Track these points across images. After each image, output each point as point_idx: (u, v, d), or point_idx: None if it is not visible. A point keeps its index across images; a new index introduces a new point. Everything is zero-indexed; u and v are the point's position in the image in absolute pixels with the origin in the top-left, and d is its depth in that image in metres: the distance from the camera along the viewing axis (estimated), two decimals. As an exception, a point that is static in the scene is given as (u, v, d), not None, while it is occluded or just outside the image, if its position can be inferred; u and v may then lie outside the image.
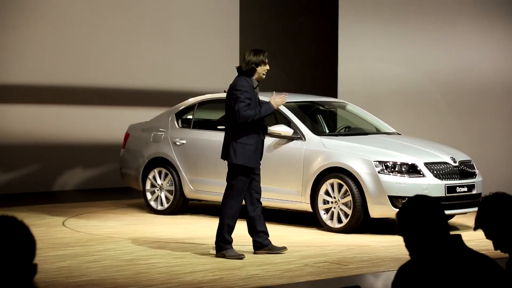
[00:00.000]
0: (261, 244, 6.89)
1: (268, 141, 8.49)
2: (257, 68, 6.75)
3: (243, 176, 6.76)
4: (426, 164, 7.92)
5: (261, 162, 6.91)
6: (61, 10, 11.36)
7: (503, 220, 3.22)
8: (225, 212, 6.80)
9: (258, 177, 6.88)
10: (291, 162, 8.29)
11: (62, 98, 11.45)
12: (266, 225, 6.99)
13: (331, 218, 8.02)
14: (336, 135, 8.61)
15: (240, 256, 6.72)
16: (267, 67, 6.79)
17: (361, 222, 7.88)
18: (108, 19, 11.72)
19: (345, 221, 7.92)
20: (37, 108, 11.28)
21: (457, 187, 8.01)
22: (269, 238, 6.96)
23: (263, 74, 6.79)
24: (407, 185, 7.72)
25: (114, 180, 11.66)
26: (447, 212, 4.88)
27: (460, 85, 11.08)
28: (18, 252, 2.38)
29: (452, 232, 3.04)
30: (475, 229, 3.32)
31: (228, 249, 6.75)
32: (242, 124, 6.70)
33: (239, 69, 6.83)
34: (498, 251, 3.29)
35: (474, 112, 11.06)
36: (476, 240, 4.22)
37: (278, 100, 6.85)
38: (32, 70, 11.22)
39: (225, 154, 6.86)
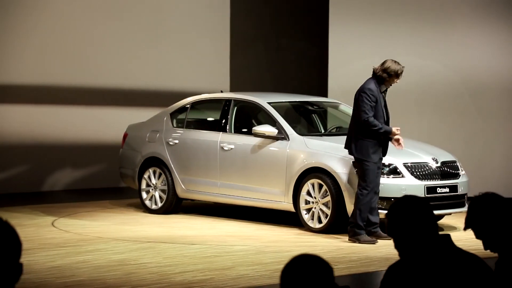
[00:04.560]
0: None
1: (253, 141, 8.53)
2: (388, 78, 7.44)
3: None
4: (405, 164, 7.92)
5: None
6: (57, 12, 11.33)
7: (493, 220, 3.24)
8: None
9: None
10: (275, 162, 8.33)
11: (53, 98, 11.42)
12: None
13: (312, 218, 8.05)
14: (321, 135, 8.64)
15: (372, 241, 7.40)
16: (397, 81, 7.50)
17: (341, 223, 7.90)
18: (104, 21, 11.70)
19: (324, 221, 7.93)
20: (28, 108, 11.24)
21: (438, 188, 8.02)
22: None
23: (391, 85, 7.53)
24: (385, 186, 7.73)
25: (109, 179, 11.65)
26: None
27: (453, 85, 11.12)
28: (3, 252, 2.37)
29: (439, 233, 3.06)
30: (465, 229, 3.33)
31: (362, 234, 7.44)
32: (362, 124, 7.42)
33: (374, 72, 7.49)
34: (488, 250, 3.31)
35: (466, 112, 11.10)
36: (464, 240, 4.24)
37: (397, 137, 7.51)
38: (24, 70, 11.18)
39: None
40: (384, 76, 7.45)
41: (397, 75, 7.46)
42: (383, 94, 7.55)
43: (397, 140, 7.56)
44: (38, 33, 11.21)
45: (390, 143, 7.63)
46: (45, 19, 11.24)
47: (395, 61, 7.50)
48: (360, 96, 7.47)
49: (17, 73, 11.15)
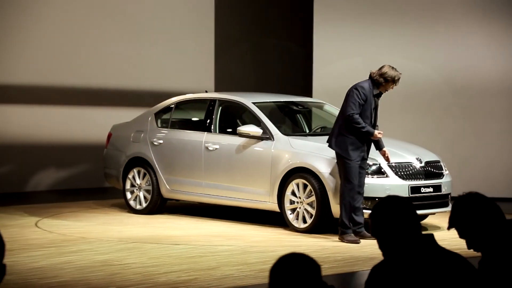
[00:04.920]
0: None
1: (237, 141, 8.54)
2: (385, 84, 7.47)
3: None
4: (389, 164, 7.94)
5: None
6: (38, 12, 11.27)
7: (476, 220, 3.26)
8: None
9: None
10: (259, 162, 8.33)
11: (36, 98, 11.36)
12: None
13: (297, 218, 8.06)
14: (305, 135, 8.65)
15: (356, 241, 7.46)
16: (393, 87, 7.57)
17: (325, 222, 7.91)
18: (88, 21, 11.65)
19: (309, 221, 7.95)
20: (10, 108, 11.17)
21: (422, 188, 8.05)
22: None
23: (386, 90, 7.57)
24: (369, 186, 7.75)
25: (93, 180, 11.61)
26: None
27: (436, 85, 11.17)
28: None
29: (423, 232, 3.07)
30: (448, 228, 3.35)
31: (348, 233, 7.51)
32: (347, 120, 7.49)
33: (370, 75, 7.54)
34: (471, 250, 3.33)
35: (449, 111, 11.15)
36: (448, 239, 4.25)
37: (378, 136, 7.53)
38: (5, 70, 11.11)
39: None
40: (381, 81, 7.48)
41: (394, 81, 7.49)
42: (375, 97, 7.56)
43: (384, 154, 7.65)
44: (21, 33, 11.14)
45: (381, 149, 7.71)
46: (29, 19, 11.17)
47: (393, 67, 7.53)
48: (352, 91, 7.51)
49: None
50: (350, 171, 7.44)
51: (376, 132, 7.50)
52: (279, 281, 2.54)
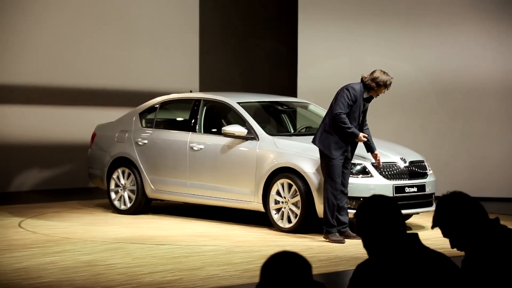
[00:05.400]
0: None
1: (222, 141, 8.53)
2: (376, 88, 7.46)
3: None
4: (374, 164, 7.96)
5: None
6: (23, 12, 11.20)
7: (459, 219, 3.27)
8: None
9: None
10: (244, 162, 8.33)
11: (19, 98, 11.30)
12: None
13: (282, 218, 8.07)
14: (290, 135, 8.66)
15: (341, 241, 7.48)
16: (385, 91, 7.55)
17: (310, 222, 7.92)
18: (72, 20, 11.60)
19: (294, 221, 7.96)
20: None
21: (406, 187, 8.09)
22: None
23: (378, 95, 7.55)
24: (354, 185, 7.77)
25: (77, 180, 11.56)
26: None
27: (420, 86, 11.22)
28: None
29: (407, 232, 3.08)
30: (432, 227, 3.37)
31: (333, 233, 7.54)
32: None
33: (362, 79, 7.54)
34: (455, 249, 3.34)
35: (433, 112, 11.20)
36: (433, 239, 4.28)
37: (363, 138, 7.56)
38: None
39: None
40: (373, 86, 7.49)
41: (385, 85, 7.50)
42: (365, 101, 7.56)
43: (376, 157, 7.69)
44: (5, 34, 11.07)
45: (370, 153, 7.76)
46: (9, 19, 11.10)
47: (384, 72, 7.55)
48: (342, 91, 7.54)
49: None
50: (332, 169, 7.47)
51: (361, 134, 7.52)
52: (270, 278, 2.55)
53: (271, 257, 2.60)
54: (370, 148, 7.73)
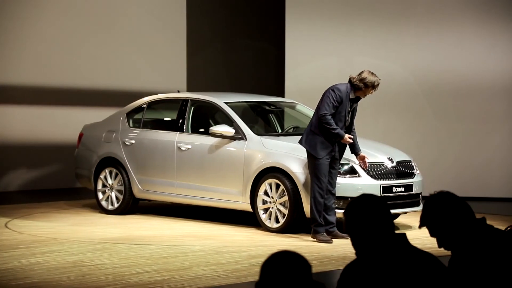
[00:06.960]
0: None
1: (210, 141, 8.53)
2: (364, 89, 7.49)
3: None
4: (359, 165, 7.97)
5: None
6: (6, 14, 11.14)
7: (447, 219, 3.29)
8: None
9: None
10: (232, 162, 8.33)
11: (6, 97, 11.24)
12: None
13: (270, 218, 8.07)
14: (278, 135, 8.66)
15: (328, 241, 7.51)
16: (373, 92, 7.57)
17: (298, 222, 7.93)
18: (59, 20, 11.55)
19: (282, 221, 7.97)
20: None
21: (393, 187, 8.11)
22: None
23: (365, 95, 7.57)
24: (341, 185, 7.78)
25: (64, 180, 11.51)
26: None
27: (408, 86, 11.25)
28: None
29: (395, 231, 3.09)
30: (420, 227, 3.38)
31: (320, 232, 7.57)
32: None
33: (350, 80, 7.55)
34: (442, 248, 3.36)
35: (421, 112, 11.24)
36: (420, 238, 4.29)
37: (348, 140, 7.58)
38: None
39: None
40: (360, 86, 7.51)
41: (373, 86, 7.52)
42: (352, 102, 7.57)
43: (362, 158, 7.69)
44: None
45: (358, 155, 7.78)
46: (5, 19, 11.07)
47: (372, 73, 7.57)
48: (328, 92, 7.57)
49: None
50: (319, 168, 7.48)
51: (346, 136, 7.53)
52: (270, 277, 2.56)
53: (271, 256, 2.61)
54: (354, 149, 7.74)
